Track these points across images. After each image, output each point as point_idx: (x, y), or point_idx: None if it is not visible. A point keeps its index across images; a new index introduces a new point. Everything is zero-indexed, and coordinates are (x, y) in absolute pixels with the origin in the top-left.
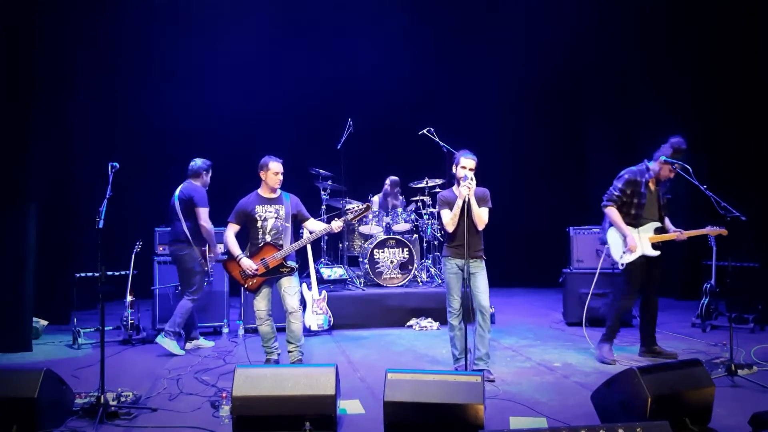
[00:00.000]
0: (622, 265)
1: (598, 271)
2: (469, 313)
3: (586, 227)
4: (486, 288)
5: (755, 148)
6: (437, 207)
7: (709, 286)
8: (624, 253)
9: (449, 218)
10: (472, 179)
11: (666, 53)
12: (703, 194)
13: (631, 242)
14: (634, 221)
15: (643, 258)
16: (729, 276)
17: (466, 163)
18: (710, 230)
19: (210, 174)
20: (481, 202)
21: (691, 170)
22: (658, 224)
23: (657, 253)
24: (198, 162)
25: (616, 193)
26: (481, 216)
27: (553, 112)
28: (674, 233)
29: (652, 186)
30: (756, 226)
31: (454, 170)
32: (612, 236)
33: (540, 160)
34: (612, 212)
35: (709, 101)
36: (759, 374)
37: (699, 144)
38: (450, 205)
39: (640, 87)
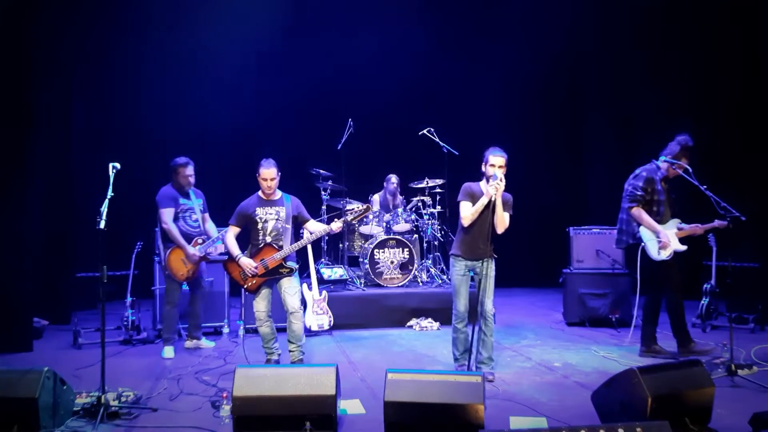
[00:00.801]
0: (657, 261)
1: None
2: (474, 313)
3: (586, 227)
4: (492, 290)
5: (755, 148)
6: (459, 196)
7: (709, 286)
8: (660, 249)
9: (470, 212)
10: (501, 180)
11: (665, 53)
12: (702, 194)
13: (664, 238)
14: (657, 219)
15: (673, 253)
16: (729, 276)
17: (495, 161)
18: (719, 224)
19: (182, 172)
20: (504, 206)
21: (690, 170)
22: (678, 220)
23: (685, 248)
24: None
25: (638, 193)
26: (504, 220)
27: (553, 111)
28: (692, 228)
29: (663, 184)
30: (756, 226)
31: (483, 168)
32: (646, 234)
33: (540, 160)
34: (639, 212)
35: (708, 101)
36: (759, 374)
37: (698, 143)
38: (473, 199)
39: (639, 87)
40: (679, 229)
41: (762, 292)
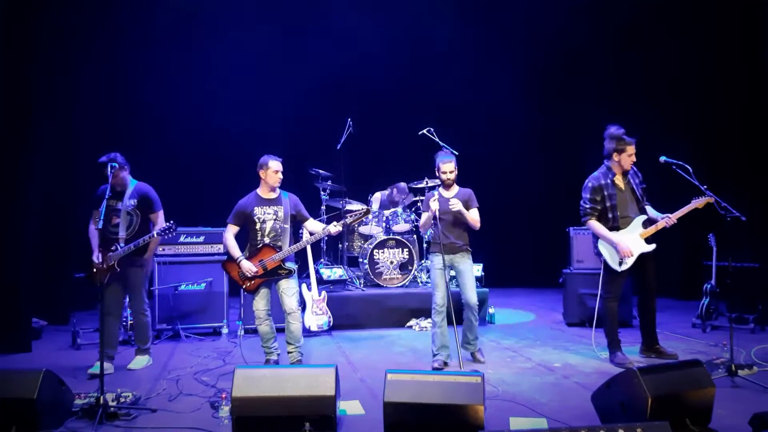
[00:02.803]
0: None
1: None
2: (453, 313)
3: (586, 227)
4: (472, 283)
5: (755, 148)
6: (422, 206)
7: (709, 286)
8: (621, 261)
9: (423, 222)
10: (435, 198)
11: (665, 52)
12: (703, 194)
13: (623, 249)
14: (618, 223)
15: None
16: (729, 276)
17: (445, 168)
18: (696, 202)
19: (105, 169)
20: (469, 203)
21: (691, 170)
22: (644, 217)
23: (653, 246)
24: None
25: (587, 206)
26: (475, 219)
27: (553, 111)
28: (662, 221)
29: (620, 183)
30: (756, 226)
31: (437, 173)
32: (603, 247)
33: (540, 160)
34: (593, 225)
35: (708, 100)
36: (759, 375)
37: (699, 143)
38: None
39: (639, 86)
40: (645, 225)
41: (762, 293)
